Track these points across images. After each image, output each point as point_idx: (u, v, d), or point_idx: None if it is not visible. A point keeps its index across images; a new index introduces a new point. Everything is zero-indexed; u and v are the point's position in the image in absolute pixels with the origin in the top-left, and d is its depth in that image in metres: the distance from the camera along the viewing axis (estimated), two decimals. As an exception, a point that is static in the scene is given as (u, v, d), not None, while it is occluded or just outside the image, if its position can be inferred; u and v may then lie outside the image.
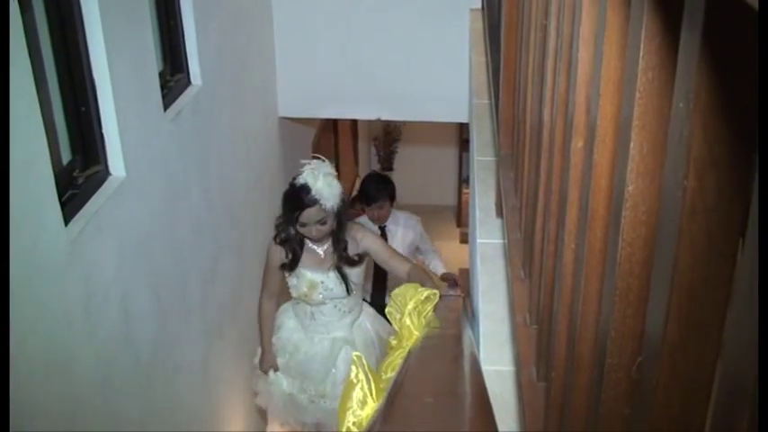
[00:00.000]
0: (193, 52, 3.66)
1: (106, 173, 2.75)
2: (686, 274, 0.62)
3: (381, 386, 1.91)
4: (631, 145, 0.71)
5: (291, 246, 3.17)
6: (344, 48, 4.94)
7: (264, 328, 3.45)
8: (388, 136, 9.48)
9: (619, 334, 0.78)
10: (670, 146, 0.63)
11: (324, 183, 2.93)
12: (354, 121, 8.76)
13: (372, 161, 9.76)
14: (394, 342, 2.08)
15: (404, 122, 8.73)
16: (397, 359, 1.97)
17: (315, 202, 2.91)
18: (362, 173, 8.62)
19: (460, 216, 8.95)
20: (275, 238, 3.18)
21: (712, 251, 0.61)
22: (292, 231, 3.10)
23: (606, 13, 0.82)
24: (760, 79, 0.46)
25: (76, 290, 2.43)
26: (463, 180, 8.97)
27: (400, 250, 4.12)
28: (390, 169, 9.58)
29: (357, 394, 1.90)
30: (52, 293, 2.28)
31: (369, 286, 4.69)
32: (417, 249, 4.68)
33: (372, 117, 5.70)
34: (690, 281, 0.62)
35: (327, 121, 7.19)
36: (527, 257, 1.62)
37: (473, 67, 3.84)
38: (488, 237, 2.25)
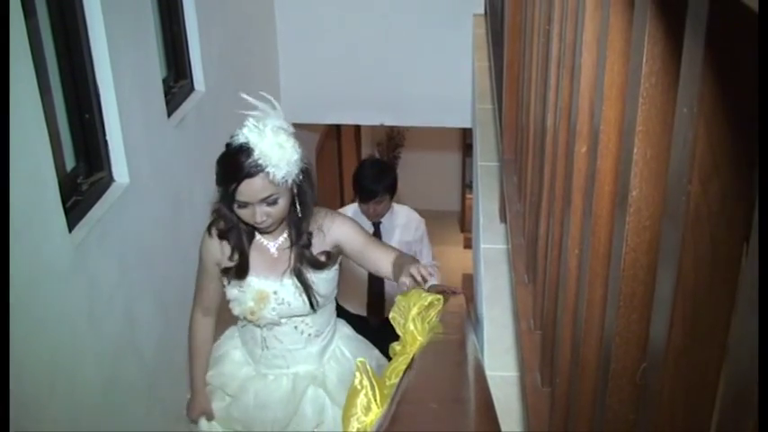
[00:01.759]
0: (197, 58, 3.67)
1: (110, 179, 2.76)
2: (690, 279, 0.61)
3: (385, 392, 1.91)
4: (635, 150, 0.71)
5: (236, 240, 2.22)
6: (347, 53, 4.95)
7: (196, 358, 2.46)
8: (392, 141, 9.49)
9: (623, 339, 0.77)
10: (673, 151, 0.63)
11: (273, 141, 2.01)
12: (357, 127, 8.77)
13: (376, 166, 9.74)
14: (398, 348, 2.07)
15: (407, 128, 8.74)
16: (401, 365, 1.97)
17: (258, 169, 1.99)
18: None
19: (464, 221, 8.95)
20: (209, 229, 2.26)
21: (716, 256, 0.60)
22: (235, 218, 2.18)
23: (609, 18, 0.82)
24: (760, 83, 0.46)
25: (80, 295, 2.43)
26: (466, 185, 8.97)
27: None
28: (394, 174, 9.57)
29: (361, 400, 1.89)
30: (56, 299, 2.28)
31: (362, 300, 3.93)
32: (415, 256, 3.78)
33: (375, 122, 5.71)
34: (694, 286, 0.62)
35: (331, 126, 7.20)
36: (531, 262, 1.62)
37: (476, 73, 3.84)
38: (492, 242, 2.25)
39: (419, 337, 2.09)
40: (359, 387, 1.91)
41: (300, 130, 5.80)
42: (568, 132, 1.10)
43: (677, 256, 0.61)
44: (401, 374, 1.83)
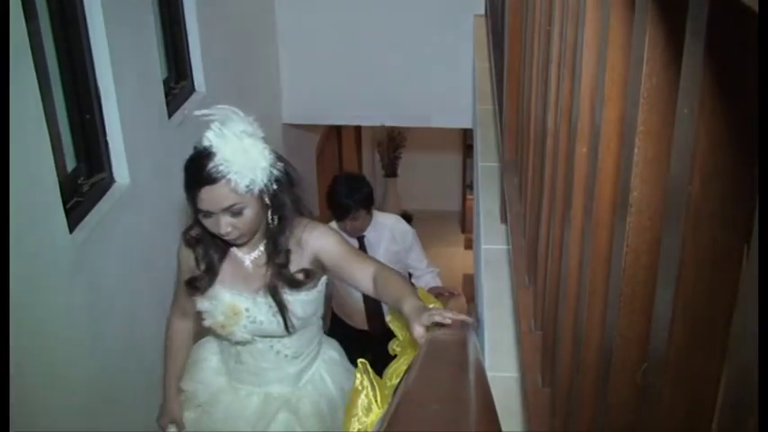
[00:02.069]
0: (197, 59, 3.67)
1: (111, 180, 2.76)
2: (691, 279, 0.61)
3: (386, 393, 1.91)
4: (635, 150, 0.71)
5: (205, 250, 2.10)
6: (348, 54, 4.95)
7: (171, 362, 2.34)
8: (392, 142, 9.49)
9: (624, 340, 0.77)
10: (674, 151, 0.63)
11: (237, 146, 1.86)
12: (358, 128, 8.78)
13: (376, 167, 9.76)
14: (398, 349, 2.07)
15: (408, 128, 8.74)
16: (401, 366, 1.97)
17: (219, 175, 1.84)
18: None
19: (465, 222, 8.95)
20: (184, 235, 2.14)
21: (717, 256, 0.60)
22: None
23: (609, 18, 0.82)
24: (760, 83, 0.46)
25: (82, 296, 2.43)
26: (467, 186, 8.97)
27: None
28: (394, 175, 9.59)
29: (362, 401, 1.90)
30: (58, 300, 2.28)
31: (362, 315, 3.71)
32: (409, 269, 3.63)
33: (376, 123, 5.71)
34: (695, 287, 0.62)
35: (331, 127, 7.21)
36: (531, 263, 1.61)
37: (477, 73, 3.84)
38: (493, 243, 2.25)
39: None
40: (360, 388, 1.92)
41: (301, 131, 5.82)
42: (569, 133, 1.10)
43: (678, 256, 0.61)
44: (402, 375, 1.83)
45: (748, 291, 0.47)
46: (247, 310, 2.07)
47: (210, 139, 1.88)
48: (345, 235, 3.32)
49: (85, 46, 2.60)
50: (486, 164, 2.77)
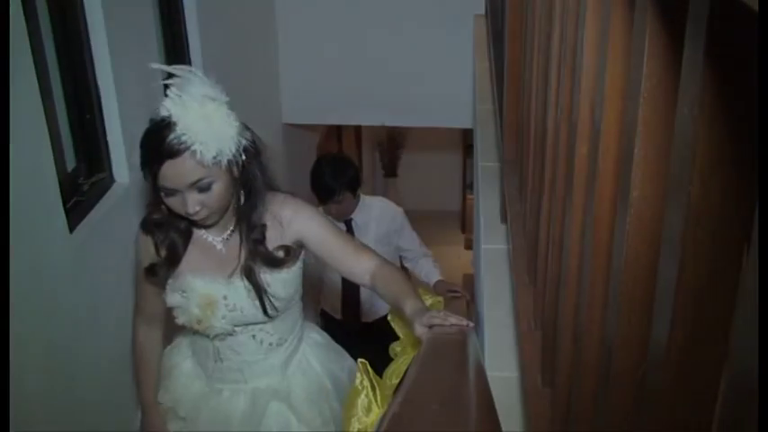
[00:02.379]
0: (197, 59, 3.67)
1: (111, 180, 2.76)
2: (691, 279, 0.61)
3: (386, 393, 1.91)
4: (636, 150, 0.71)
5: (166, 233, 1.89)
6: (348, 53, 4.95)
7: (144, 373, 2.15)
8: (393, 142, 9.49)
9: (624, 340, 0.77)
10: (675, 151, 0.63)
11: (199, 113, 1.67)
12: (358, 128, 8.78)
13: (377, 167, 9.77)
14: (398, 349, 2.07)
15: (408, 128, 8.75)
16: (402, 365, 1.97)
17: (183, 147, 1.66)
18: (366, 179, 8.63)
19: (465, 221, 8.95)
20: (142, 224, 1.94)
21: (717, 256, 0.60)
22: (165, 207, 1.83)
23: (610, 17, 0.82)
24: (760, 83, 0.46)
25: (82, 296, 2.43)
26: (467, 185, 8.97)
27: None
28: (395, 175, 9.60)
29: (362, 401, 1.90)
30: (58, 299, 2.28)
31: (335, 302, 3.58)
32: (400, 252, 3.50)
33: (376, 123, 5.71)
34: (695, 286, 0.62)
35: (331, 127, 7.20)
36: (532, 263, 1.61)
37: (477, 73, 3.84)
38: (493, 242, 2.25)
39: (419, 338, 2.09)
40: (360, 387, 1.92)
41: (301, 131, 5.82)
42: (569, 132, 1.10)
43: (678, 256, 0.61)
44: (402, 375, 1.83)
45: (749, 289, 0.47)
46: (225, 297, 1.89)
47: (168, 107, 1.69)
48: (332, 219, 3.25)
49: (85, 45, 2.60)
50: (487, 163, 2.77)
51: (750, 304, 0.46)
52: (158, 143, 1.68)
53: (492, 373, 1.65)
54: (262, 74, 4.80)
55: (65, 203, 2.33)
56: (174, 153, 1.66)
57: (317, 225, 1.94)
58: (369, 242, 3.00)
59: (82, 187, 2.60)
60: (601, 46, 0.88)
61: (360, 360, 1.97)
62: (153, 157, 1.70)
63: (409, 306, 1.76)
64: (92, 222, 2.52)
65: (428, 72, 4.91)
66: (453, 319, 1.66)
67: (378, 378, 1.95)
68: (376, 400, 1.89)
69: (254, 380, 2.06)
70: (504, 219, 2.25)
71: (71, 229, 2.37)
